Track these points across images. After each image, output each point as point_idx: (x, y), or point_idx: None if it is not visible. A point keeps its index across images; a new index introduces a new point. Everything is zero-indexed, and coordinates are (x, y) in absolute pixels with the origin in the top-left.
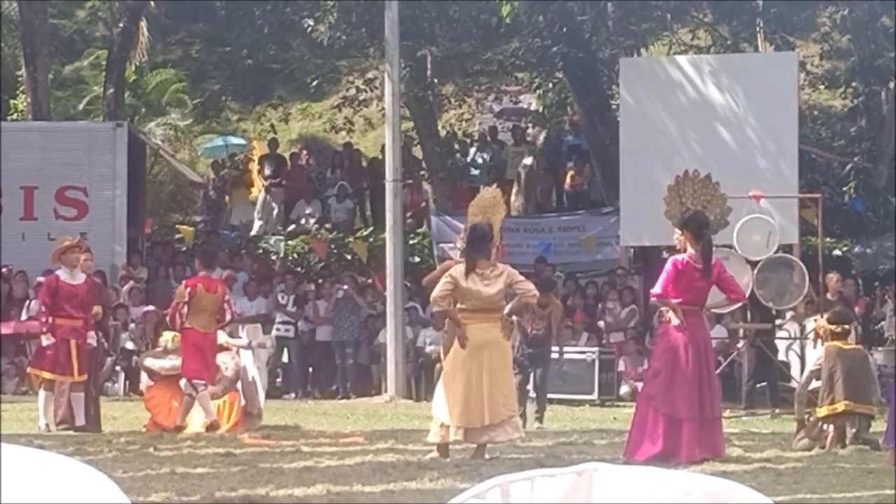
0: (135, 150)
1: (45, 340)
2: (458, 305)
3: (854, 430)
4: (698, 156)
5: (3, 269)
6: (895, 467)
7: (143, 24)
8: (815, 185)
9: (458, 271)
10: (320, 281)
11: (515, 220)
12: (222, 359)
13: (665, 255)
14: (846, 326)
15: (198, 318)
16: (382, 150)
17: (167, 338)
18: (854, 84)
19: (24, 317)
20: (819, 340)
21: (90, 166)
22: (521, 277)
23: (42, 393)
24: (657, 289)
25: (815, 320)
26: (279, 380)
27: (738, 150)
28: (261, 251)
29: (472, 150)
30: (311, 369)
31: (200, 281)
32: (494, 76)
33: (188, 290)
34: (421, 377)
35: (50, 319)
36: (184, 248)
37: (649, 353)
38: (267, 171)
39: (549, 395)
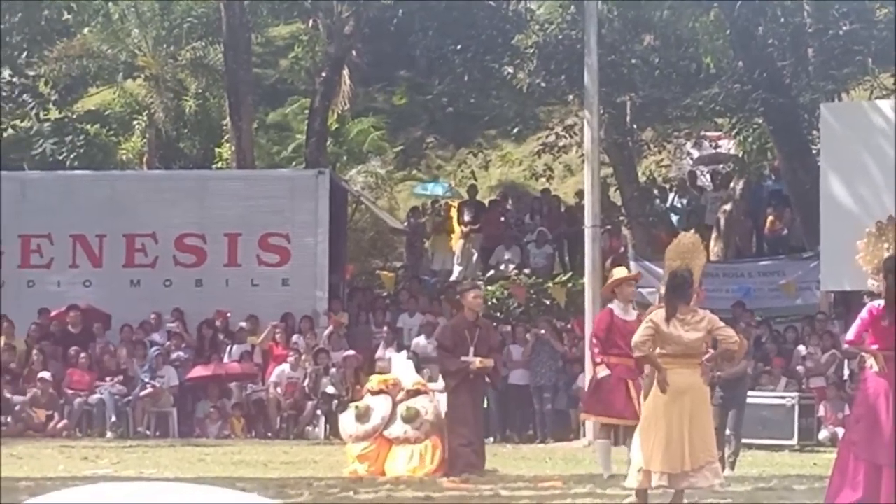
0: (336, 197)
1: (601, 372)
2: (659, 350)
3: None
4: None
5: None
6: None
7: (346, 72)
8: None
9: (658, 316)
10: (514, 323)
11: (715, 266)
12: (421, 403)
13: (866, 299)
14: None
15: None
16: (581, 196)
17: (373, 382)
18: None
19: (226, 361)
20: None
21: (293, 213)
22: (722, 324)
23: (599, 443)
24: (850, 335)
25: None
26: None
27: None
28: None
29: (672, 195)
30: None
31: None
32: (694, 122)
33: None
34: None
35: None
36: (384, 294)
37: (850, 399)
38: (466, 218)
39: (748, 441)
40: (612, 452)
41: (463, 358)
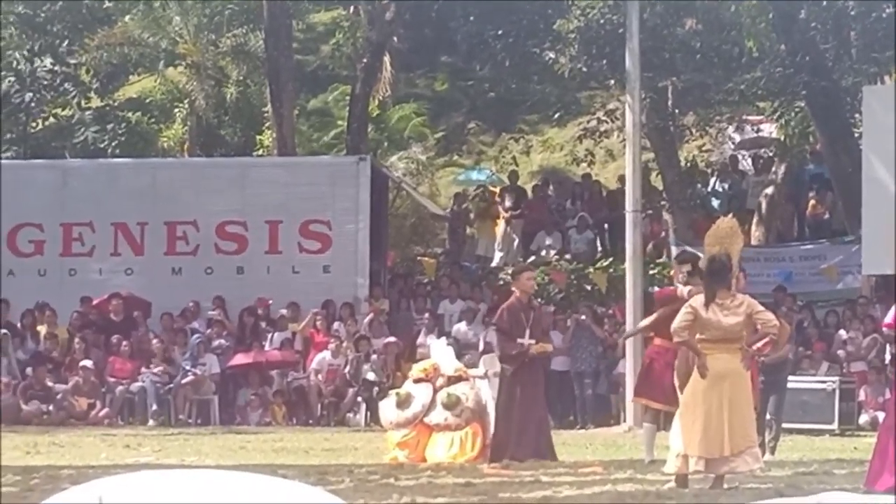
0: (377, 183)
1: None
2: (698, 336)
3: None
4: None
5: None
6: None
7: (387, 58)
8: None
9: (698, 302)
10: (555, 309)
11: (756, 250)
12: (461, 389)
13: None
14: None
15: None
16: (622, 181)
17: (415, 370)
18: None
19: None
20: None
21: (334, 200)
22: (762, 308)
23: (646, 426)
24: (888, 318)
25: None
26: None
27: None
28: (501, 282)
29: (713, 179)
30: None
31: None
32: (736, 106)
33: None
34: None
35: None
36: (425, 280)
37: (891, 383)
38: (507, 203)
39: (789, 425)
40: (656, 437)
41: (519, 340)
